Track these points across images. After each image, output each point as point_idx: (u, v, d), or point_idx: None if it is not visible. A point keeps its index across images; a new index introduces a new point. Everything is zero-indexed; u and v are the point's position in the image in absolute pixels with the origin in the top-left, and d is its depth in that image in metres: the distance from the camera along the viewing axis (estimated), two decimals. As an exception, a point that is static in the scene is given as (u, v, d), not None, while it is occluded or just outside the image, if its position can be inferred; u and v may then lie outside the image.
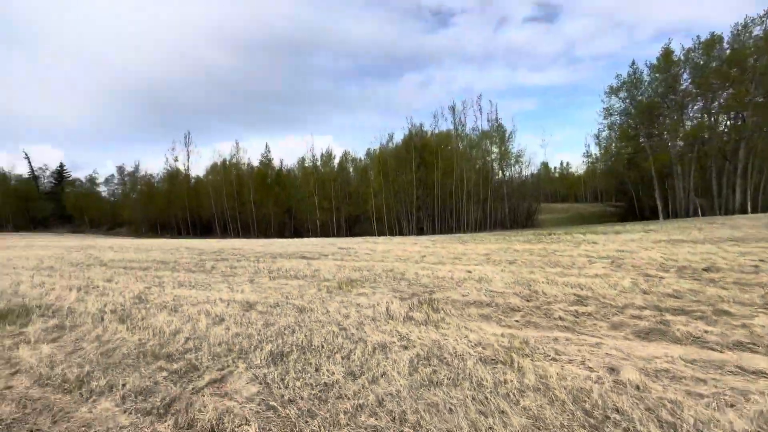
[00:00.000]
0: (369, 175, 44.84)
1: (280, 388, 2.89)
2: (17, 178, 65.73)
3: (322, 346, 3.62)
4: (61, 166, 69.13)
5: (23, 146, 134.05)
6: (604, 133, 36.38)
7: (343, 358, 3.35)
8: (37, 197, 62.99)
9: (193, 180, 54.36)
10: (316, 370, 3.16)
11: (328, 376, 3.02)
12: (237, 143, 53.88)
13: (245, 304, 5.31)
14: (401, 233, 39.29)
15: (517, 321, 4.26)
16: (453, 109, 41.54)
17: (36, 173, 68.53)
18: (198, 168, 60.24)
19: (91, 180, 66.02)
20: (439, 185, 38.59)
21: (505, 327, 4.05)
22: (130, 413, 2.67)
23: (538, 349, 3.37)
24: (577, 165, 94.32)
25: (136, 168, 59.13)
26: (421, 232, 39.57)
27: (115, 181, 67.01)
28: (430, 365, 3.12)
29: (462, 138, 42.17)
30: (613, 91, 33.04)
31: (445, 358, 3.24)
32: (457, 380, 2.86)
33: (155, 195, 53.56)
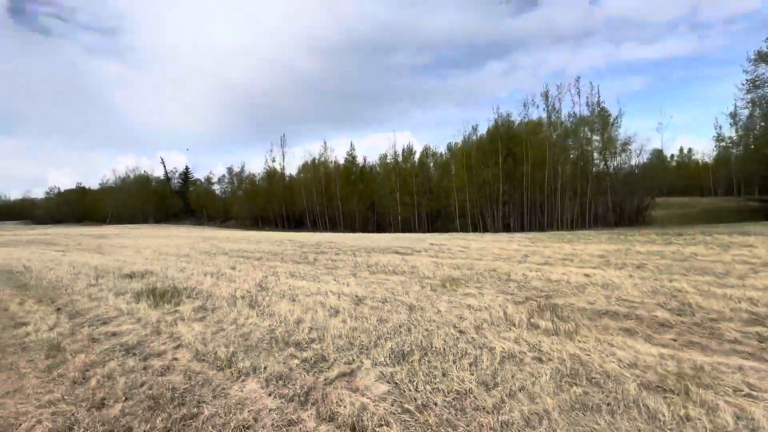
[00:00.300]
0: (451, 169, 43.80)
1: (410, 390, 2.80)
2: (156, 179, 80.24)
3: (444, 350, 3.46)
4: (186, 169, 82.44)
5: (159, 153, 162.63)
6: (746, 111, 29.49)
7: (470, 365, 3.14)
8: (170, 195, 76.11)
9: (287, 178, 59.78)
10: (444, 374, 3.01)
11: (459, 384, 2.84)
12: (324, 143, 57.47)
13: (354, 298, 5.46)
14: (485, 229, 37.56)
15: (673, 340, 3.54)
16: (546, 94, 37.98)
17: (168, 175, 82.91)
18: (292, 167, 66.56)
19: (208, 180, 77.41)
20: (528, 178, 35.84)
21: (658, 346, 3.39)
22: (275, 397, 2.85)
23: (720, 379, 2.71)
24: (703, 151, 78.52)
25: (242, 169, 67.54)
26: (507, 228, 37.30)
27: (225, 180, 77.24)
28: (577, 384, 2.72)
29: (556, 126, 38.39)
30: (762, 58, 26.55)
31: (594, 378, 2.81)
32: (618, 407, 2.42)
33: (257, 192, 60.30)
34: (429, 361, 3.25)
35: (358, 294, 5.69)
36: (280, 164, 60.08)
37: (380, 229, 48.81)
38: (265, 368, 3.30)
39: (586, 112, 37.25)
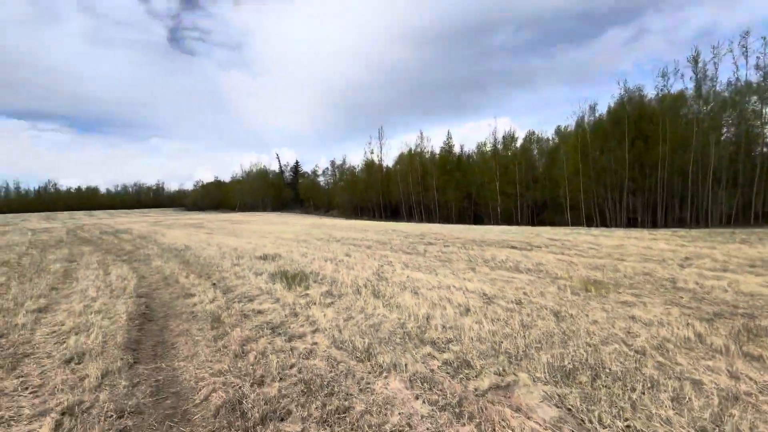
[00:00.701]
0: (561, 155, 39.13)
1: (592, 423, 2.26)
2: (272, 173, 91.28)
3: (623, 373, 2.78)
4: (297, 163, 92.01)
5: (275, 150, 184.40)
6: None
7: (672, 401, 2.42)
8: (283, 187, 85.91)
9: (384, 169, 61.66)
10: (634, 407, 2.37)
11: (664, 426, 2.18)
12: (421, 133, 57.37)
13: (483, 296, 5.00)
14: (603, 224, 32.68)
15: None
16: (695, 59, 30.62)
17: (282, 169, 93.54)
18: (389, 158, 68.69)
19: (314, 172, 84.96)
20: (665, 164, 29.73)
21: None
22: (424, 402, 2.61)
23: None
24: None
25: (343, 161, 72.20)
26: (633, 223, 31.82)
27: (329, 172, 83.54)
28: None
29: (707, 99, 30.81)
30: None
31: None
32: None
33: (356, 183, 63.76)
34: (606, 386, 2.63)
35: (485, 291, 5.21)
36: (377, 156, 62.20)
37: (478, 220, 46.75)
38: (405, 366, 3.11)
39: (754, 77, 29.02)
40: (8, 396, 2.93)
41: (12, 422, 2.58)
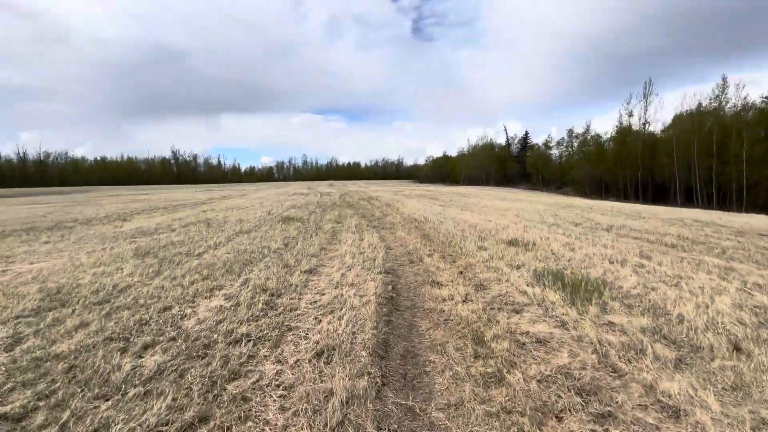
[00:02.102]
0: None
1: None
2: (498, 146, 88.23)
3: None
4: (526, 134, 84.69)
5: (502, 122, 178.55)
6: None
7: None
8: (508, 159, 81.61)
9: (651, 135, 46.78)
10: None
11: None
12: (724, 80, 39.08)
13: None
14: None
15: None
16: None
17: (509, 141, 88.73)
18: (656, 123, 51.13)
19: (546, 144, 75.64)
20: None
21: None
22: None
23: None
24: None
25: (586, 129, 60.06)
26: None
27: (564, 143, 72.35)
28: None
29: None
30: None
31: None
32: None
33: (602, 155, 51.83)
34: None
35: None
36: (640, 118, 47.81)
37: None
38: None
39: None
40: (261, 391, 2.47)
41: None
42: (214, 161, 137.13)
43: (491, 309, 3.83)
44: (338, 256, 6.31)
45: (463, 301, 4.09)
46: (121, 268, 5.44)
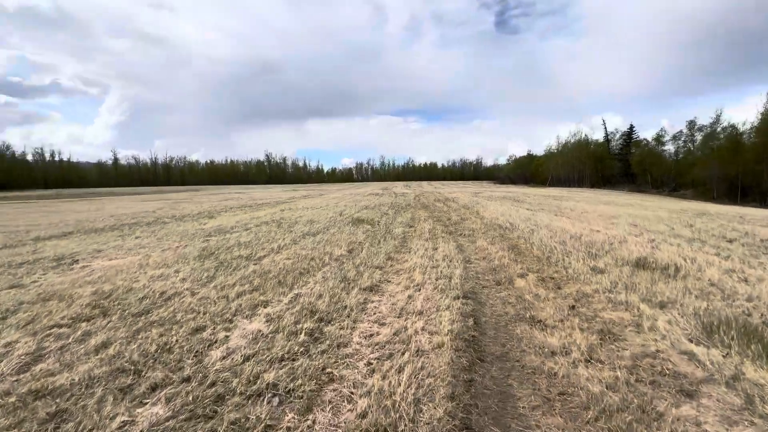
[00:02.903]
0: None
1: None
2: (594, 142, 78.06)
3: None
4: (631, 128, 73.02)
5: (600, 116, 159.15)
6: None
7: None
8: (608, 157, 71.55)
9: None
10: None
11: None
12: None
13: None
14: None
15: None
16: None
17: (608, 137, 77.86)
18: None
19: (657, 139, 64.33)
20: None
21: None
22: None
23: None
24: None
25: (717, 119, 49.19)
26: None
27: (682, 138, 60.82)
28: None
29: None
30: None
31: None
32: None
33: (740, 149, 41.85)
34: None
35: None
36: (797, 102, 37.32)
37: None
38: None
39: None
40: None
41: None
42: (300, 163, 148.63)
43: (638, 383, 2.41)
44: (406, 269, 5.29)
45: (586, 360, 2.71)
46: (179, 271, 5.19)
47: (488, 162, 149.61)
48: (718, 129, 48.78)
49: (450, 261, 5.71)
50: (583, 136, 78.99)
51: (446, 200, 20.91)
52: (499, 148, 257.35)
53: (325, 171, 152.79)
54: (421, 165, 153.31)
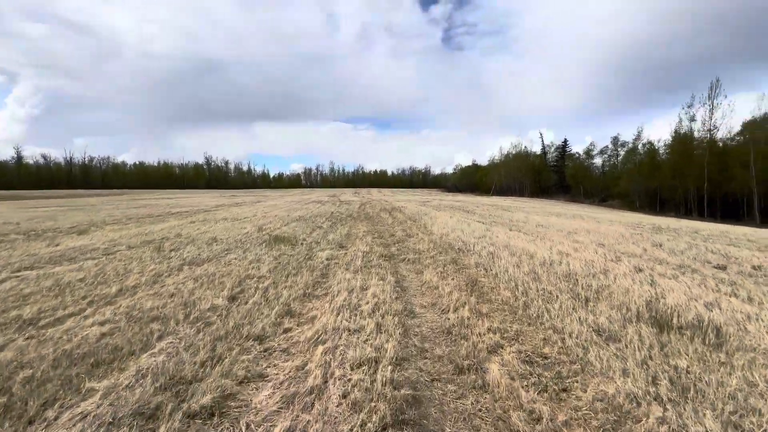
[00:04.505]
0: None
1: None
2: (533, 155, 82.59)
3: None
4: (564, 142, 78.31)
5: (538, 130, 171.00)
6: None
7: None
8: (545, 169, 75.82)
9: (720, 143, 40.70)
10: None
11: None
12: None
13: None
14: None
15: None
16: None
17: (545, 150, 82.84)
18: (726, 129, 43.76)
19: (587, 153, 69.46)
20: None
21: None
22: None
23: None
24: None
25: (638, 135, 53.99)
26: None
27: (608, 152, 66.31)
28: None
29: None
30: None
31: None
32: None
33: (657, 165, 45.91)
34: None
35: None
36: (704, 123, 41.86)
37: None
38: None
39: None
40: None
41: None
42: (245, 168, 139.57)
43: None
44: (305, 342, 3.12)
45: None
46: None
47: (436, 171, 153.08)
48: (639, 146, 53.46)
49: (383, 316, 3.67)
50: (523, 148, 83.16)
51: (393, 210, 19.14)
52: (447, 157, 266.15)
53: (272, 176, 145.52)
54: (372, 172, 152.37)
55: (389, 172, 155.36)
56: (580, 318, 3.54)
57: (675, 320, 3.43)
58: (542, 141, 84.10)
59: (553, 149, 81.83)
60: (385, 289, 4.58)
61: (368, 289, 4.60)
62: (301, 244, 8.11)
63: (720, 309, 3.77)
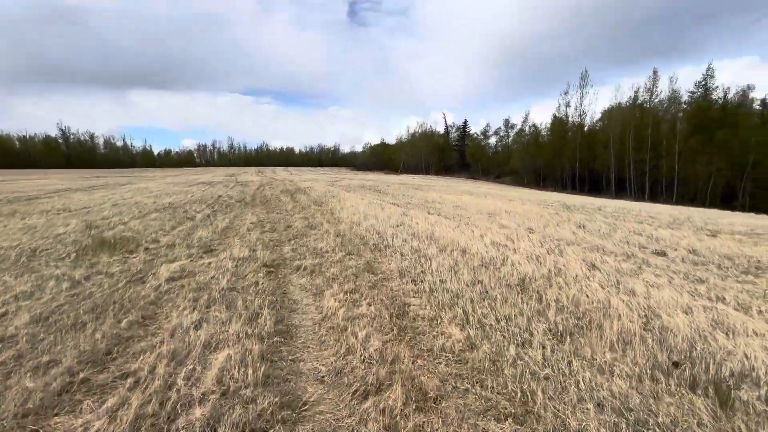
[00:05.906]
0: None
1: None
2: (437, 134, 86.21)
3: None
4: (465, 123, 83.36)
5: (442, 111, 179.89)
6: None
7: None
8: (448, 149, 79.93)
9: (587, 127, 47.30)
10: None
11: None
12: (654, 73, 40.00)
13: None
14: None
15: None
16: None
17: (447, 130, 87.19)
18: (593, 114, 51.34)
19: (484, 133, 75.13)
20: None
21: None
22: None
23: None
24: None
25: (525, 119, 59.97)
26: None
27: (501, 133, 72.66)
28: None
29: None
30: None
31: None
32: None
33: (540, 146, 51.68)
34: None
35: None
36: (576, 109, 48.06)
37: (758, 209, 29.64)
38: None
39: None
40: None
41: None
42: (119, 143, 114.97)
43: None
44: None
45: None
46: None
47: (345, 149, 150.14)
48: (526, 128, 59.41)
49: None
50: (428, 128, 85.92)
51: (296, 192, 16.62)
52: (356, 135, 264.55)
53: (157, 153, 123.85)
54: (277, 150, 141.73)
55: (296, 150, 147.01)
56: (520, 319, 2.07)
57: (685, 357, 2.19)
58: (445, 122, 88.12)
59: (454, 130, 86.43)
60: (251, 347, 2.53)
61: (218, 350, 2.49)
62: (145, 250, 5.41)
63: (717, 332, 2.73)
